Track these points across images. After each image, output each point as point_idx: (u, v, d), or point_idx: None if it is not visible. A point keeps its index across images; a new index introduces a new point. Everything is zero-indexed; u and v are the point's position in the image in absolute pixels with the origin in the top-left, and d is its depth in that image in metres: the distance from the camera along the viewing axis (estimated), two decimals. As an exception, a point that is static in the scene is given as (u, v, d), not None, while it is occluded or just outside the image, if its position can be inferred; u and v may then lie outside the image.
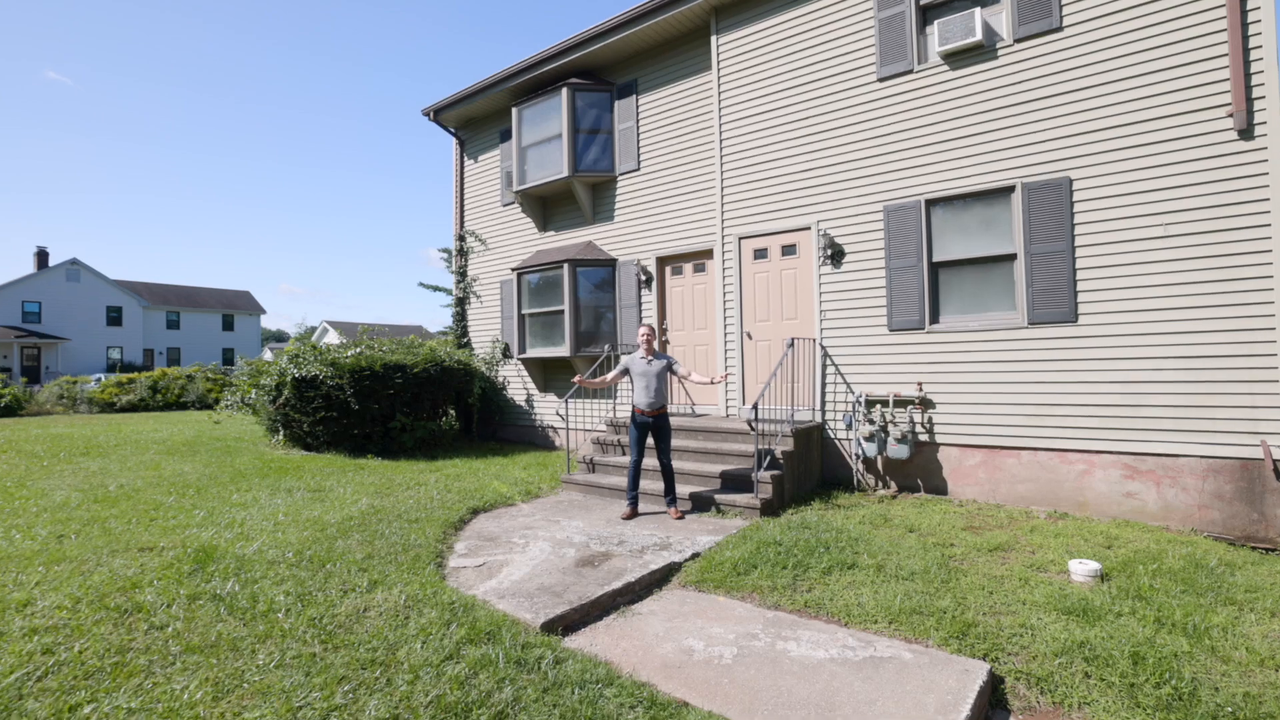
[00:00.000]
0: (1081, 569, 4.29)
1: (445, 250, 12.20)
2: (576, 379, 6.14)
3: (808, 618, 3.83)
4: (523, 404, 10.75)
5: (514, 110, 10.27)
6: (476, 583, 4.31)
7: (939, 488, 6.58)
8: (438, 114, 11.56)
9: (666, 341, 8.92)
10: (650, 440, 6.18)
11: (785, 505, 6.22)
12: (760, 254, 7.83)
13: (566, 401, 7.49)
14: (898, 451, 6.49)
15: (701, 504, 6.20)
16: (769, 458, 6.21)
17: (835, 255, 7.17)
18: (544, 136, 9.90)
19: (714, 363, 8.39)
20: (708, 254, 8.46)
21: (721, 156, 8.15)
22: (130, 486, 6.93)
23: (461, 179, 11.98)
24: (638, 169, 9.21)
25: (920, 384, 6.60)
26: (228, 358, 43.83)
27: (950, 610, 3.73)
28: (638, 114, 9.21)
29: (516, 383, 10.83)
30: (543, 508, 6.47)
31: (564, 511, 6.31)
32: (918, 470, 6.69)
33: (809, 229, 7.39)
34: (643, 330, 6.13)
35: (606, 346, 8.33)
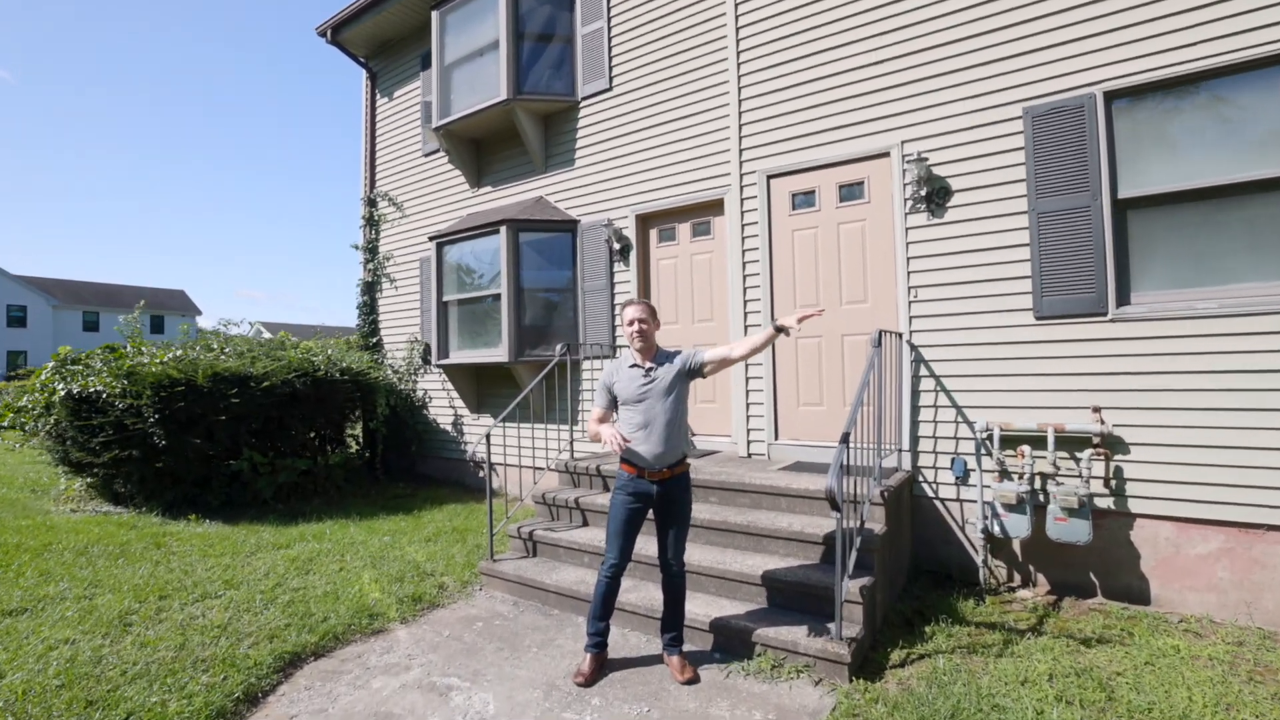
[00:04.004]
0: None
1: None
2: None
3: None
4: (449, 428, 7.70)
5: (435, 15, 7.27)
6: None
7: (1134, 592, 3.78)
8: (337, 33, 8.48)
9: (652, 340, 6.00)
10: (650, 517, 3.23)
11: (883, 641, 3.35)
12: (802, 200, 4.98)
13: (489, 435, 4.52)
14: (1071, 530, 3.67)
15: (730, 643, 3.29)
16: (854, 551, 3.33)
17: (934, 195, 4.36)
18: (475, 48, 6.93)
19: (724, 373, 5.50)
20: (715, 206, 5.58)
21: (738, 56, 5.30)
22: None
23: (373, 123, 8.90)
24: (609, 89, 6.30)
25: (1098, 410, 3.81)
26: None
27: None
28: (609, 9, 6.30)
29: (441, 399, 7.78)
30: (434, 642, 3.48)
31: (469, 656, 3.34)
32: (1091, 558, 3.89)
33: (887, 154, 4.57)
34: (633, 313, 3.14)
35: (561, 347, 5.43)
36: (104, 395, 5.38)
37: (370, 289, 8.71)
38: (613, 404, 3.20)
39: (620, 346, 6.01)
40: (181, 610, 3.73)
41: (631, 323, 3.12)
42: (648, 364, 3.14)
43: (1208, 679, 2.89)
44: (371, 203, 8.71)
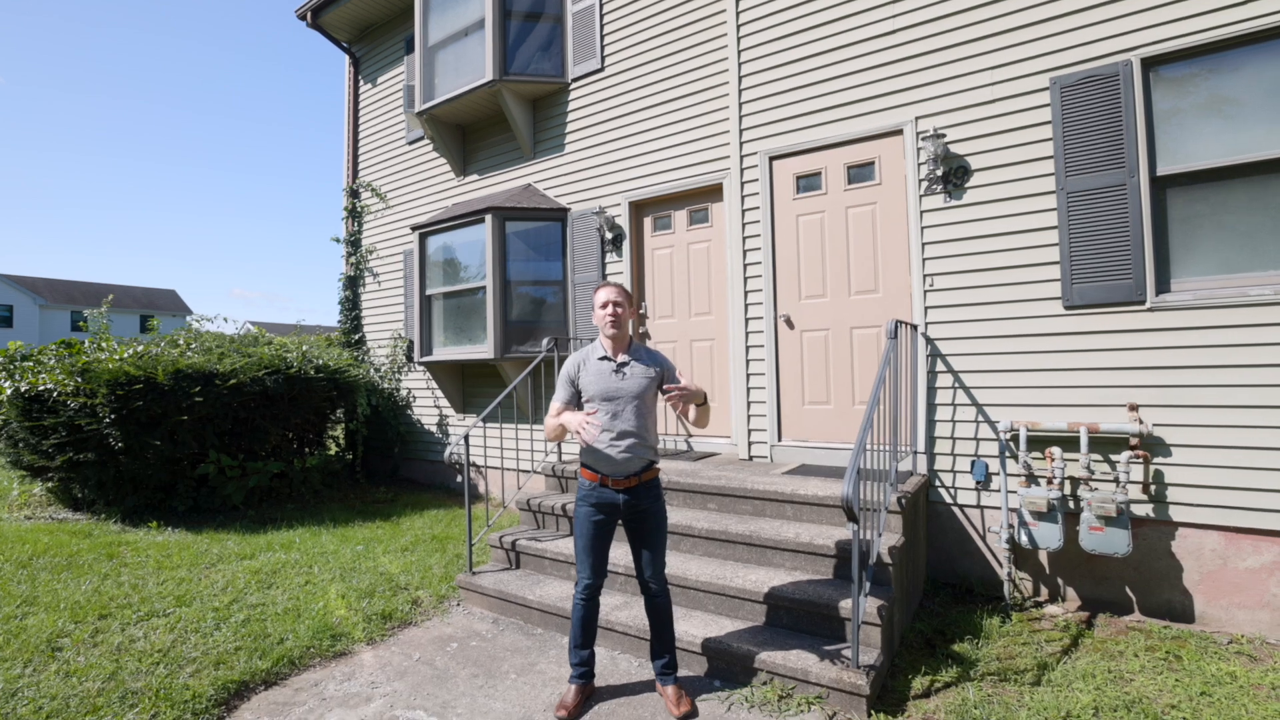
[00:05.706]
0: None
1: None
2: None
3: None
4: (433, 429, 7.33)
5: (418, -6, 6.90)
6: None
7: (1175, 608, 3.44)
8: (317, 15, 8.10)
9: (645, 335, 5.65)
10: (621, 532, 2.90)
11: (902, 666, 2.99)
12: (808, 183, 4.63)
13: (467, 436, 4.16)
14: (1107, 541, 3.32)
15: (731, 669, 2.93)
16: (870, 565, 2.97)
17: (951, 174, 4.01)
18: (460, 27, 6.56)
19: (723, 369, 5.16)
20: (713, 192, 5.23)
21: (738, 30, 4.94)
22: None
23: (355, 111, 8.53)
24: (601, 70, 5.94)
25: (1135, 408, 3.46)
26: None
27: None
28: (601, -16, 5.95)
29: (425, 398, 7.41)
30: (401, 668, 3.11)
31: (439, 684, 2.97)
32: (1126, 570, 3.54)
33: (899, 132, 4.22)
34: (606, 295, 2.80)
35: (549, 341, 5.07)
36: (56, 394, 5.00)
37: (352, 284, 8.33)
38: (575, 399, 2.83)
39: (612, 342, 5.64)
40: (121, 632, 3.35)
41: (605, 305, 2.75)
42: (620, 357, 2.77)
43: (1276, 713, 2.54)
44: (354, 193, 8.33)
